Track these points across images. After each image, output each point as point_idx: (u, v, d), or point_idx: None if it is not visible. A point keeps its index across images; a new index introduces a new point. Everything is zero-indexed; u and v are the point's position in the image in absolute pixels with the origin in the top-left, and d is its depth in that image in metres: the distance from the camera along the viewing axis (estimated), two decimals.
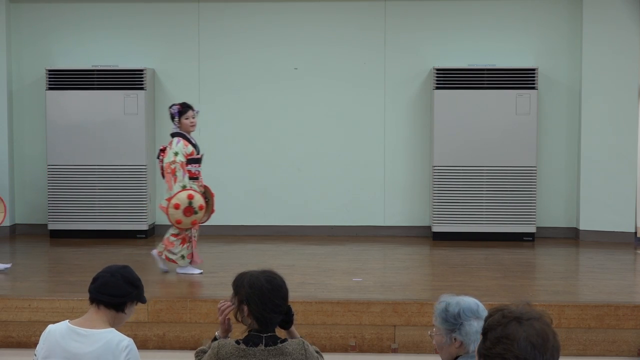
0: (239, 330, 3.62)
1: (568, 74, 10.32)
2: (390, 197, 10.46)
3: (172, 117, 7.93)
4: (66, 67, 10.35)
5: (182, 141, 7.86)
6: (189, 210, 7.79)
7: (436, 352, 3.43)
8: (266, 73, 10.52)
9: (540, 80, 10.14)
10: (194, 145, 7.97)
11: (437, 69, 10.06)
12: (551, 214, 10.36)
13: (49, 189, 10.32)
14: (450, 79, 10.06)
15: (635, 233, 10.10)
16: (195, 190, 7.88)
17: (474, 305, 3.32)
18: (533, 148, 10.03)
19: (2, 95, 10.45)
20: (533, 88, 10.01)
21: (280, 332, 3.64)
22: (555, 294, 7.51)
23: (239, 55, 10.52)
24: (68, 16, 10.56)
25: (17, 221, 10.73)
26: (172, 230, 8.04)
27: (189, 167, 7.88)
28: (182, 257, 8.05)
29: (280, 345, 3.51)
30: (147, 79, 10.29)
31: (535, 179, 10.08)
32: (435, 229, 10.13)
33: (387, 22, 10.43)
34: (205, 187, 8.16)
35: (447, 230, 10.15)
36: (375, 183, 10.51)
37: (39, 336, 3.68)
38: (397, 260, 9.15)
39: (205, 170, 10.06)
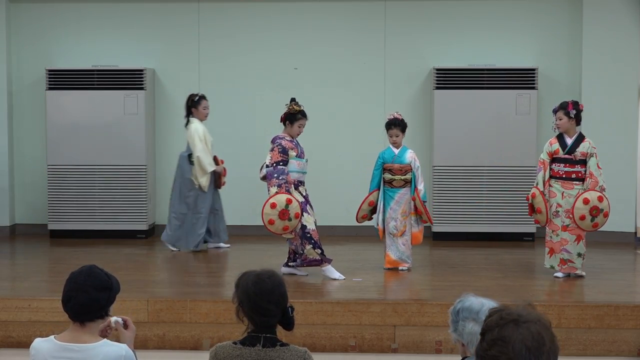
0: (240, 330, 3.59)
1: (568, 74, 10.32)
2: None
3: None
4: (66, 67, 10.36)
5: (552, 139, 8.03)
6: (530, 207, 8.00)
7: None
8: (266, 73, 10.52)
9: (540, 80, 10.13)
10: (563, 145, 7.96)
11: (437, 69, 10.06)
12: None
13: (49, 189, 10.32)
14: (450, 79, 10.06)
15: (635, 233, 10.10)
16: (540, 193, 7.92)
17: (476, 306, 3.18)
18: (533, 148, 10.01)
19: (2, 95, 10.45)
20: (533, 88, 10.01)
21: (285, 337, 3.55)
22: (555, 294, 7.51)
23: (239, 55, 10.52)
24: (68, 16, 10.56)
25: (17, 221, 10.73)
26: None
27: (552, 165, 8.00)
28: (578, 254, 8.00)
29: (279, 348, 3.42)
30: (147, 79, 10.29)
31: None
32: (435, 229, 10.13)
33: (387, 23, 10.43)
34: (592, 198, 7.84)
35: (447, 230, 10.16)
36: None
37: (39, 336, 3.63)
38: None
39: None
